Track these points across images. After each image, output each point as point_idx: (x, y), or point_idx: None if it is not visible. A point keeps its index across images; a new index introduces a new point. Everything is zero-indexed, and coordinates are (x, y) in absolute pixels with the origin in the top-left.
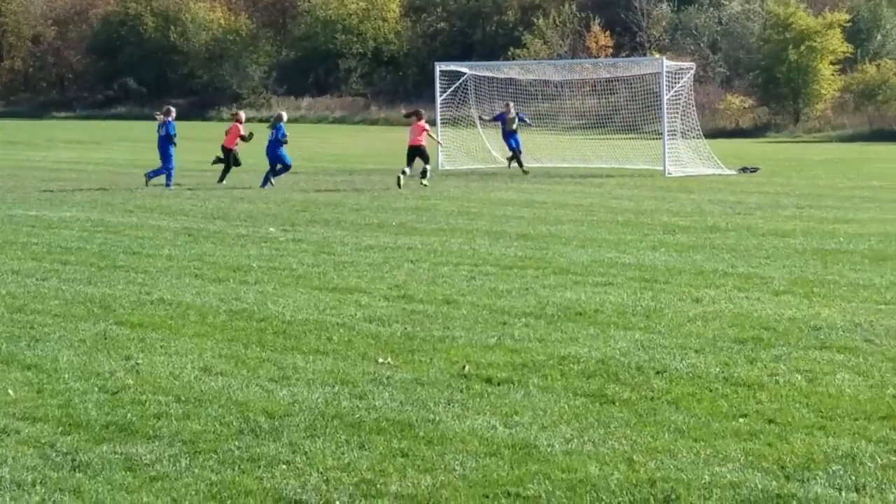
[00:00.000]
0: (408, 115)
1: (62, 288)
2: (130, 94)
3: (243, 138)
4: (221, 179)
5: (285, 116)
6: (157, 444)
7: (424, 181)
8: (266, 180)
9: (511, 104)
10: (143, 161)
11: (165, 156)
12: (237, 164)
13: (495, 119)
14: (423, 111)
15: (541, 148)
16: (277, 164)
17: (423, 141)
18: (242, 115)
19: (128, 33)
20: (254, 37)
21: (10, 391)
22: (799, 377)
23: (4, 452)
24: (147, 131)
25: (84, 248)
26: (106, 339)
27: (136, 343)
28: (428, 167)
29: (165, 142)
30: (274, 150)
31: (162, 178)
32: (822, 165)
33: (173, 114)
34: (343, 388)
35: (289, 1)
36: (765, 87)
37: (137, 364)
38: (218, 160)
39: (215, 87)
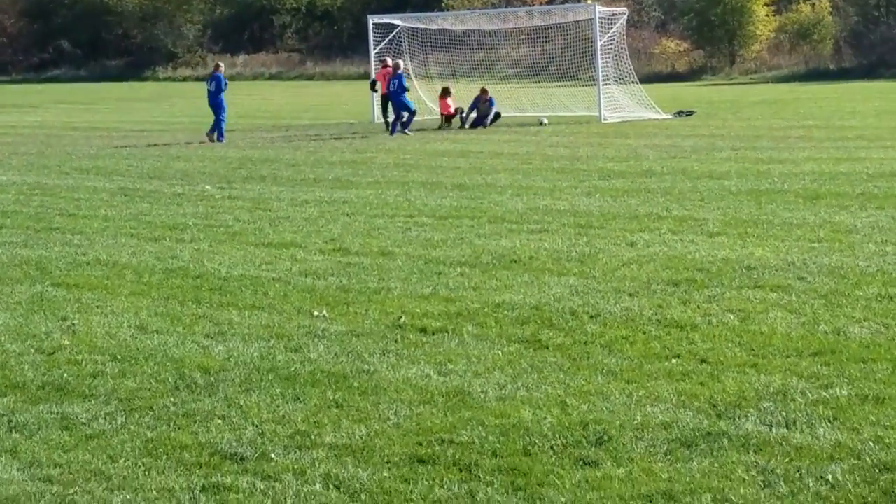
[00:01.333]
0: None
1: None
2: (65, 56)
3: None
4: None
5: (402, 65)
6: (93, 402)
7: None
8: (394, 128)
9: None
10: (79, 123)
11: (221, 107)
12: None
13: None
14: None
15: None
16: (403, 111)
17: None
18: (390, 60)
19: None
20: None
21: None
22: (732, 317)
23: None
24: (83, 94)
25: (20, 212)
26: (42, 300)
27: (72, 304)
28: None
29: (217, 95)
30: (398, 98)
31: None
32: (757, 107)
33: (221, 68)
34: (278, 342)
35: None
36: (700, 30)
37: (74, 325)
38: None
39: (150, 47)
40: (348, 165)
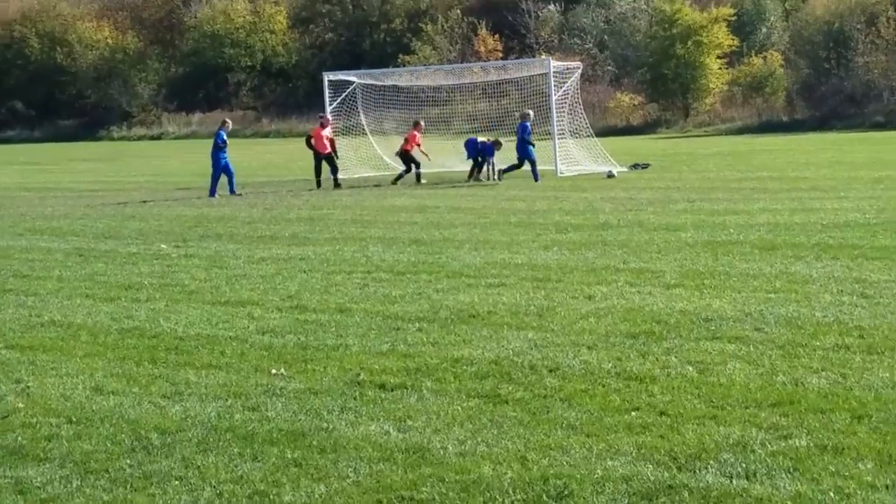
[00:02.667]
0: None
1: None
2: (18, 117)
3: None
4: (335, 182)
5: (532, 115)
6: (47, 466)
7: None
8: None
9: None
10: (33, 184)
11: (215, 164)
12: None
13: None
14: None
15: (434, 153)
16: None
17: (411, 148)
18: (331, 117)
19: (14, 56)
20: (142, 54)
21: None
22: (690, 368)
23: None
24: (35, 154)
25: None
26: None
27: (26, 366)
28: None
29: (214, 151)
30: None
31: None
32: (712, 159)
33: (227, 125)
34: (236, 401)
35: (176, 17)
36: (654, 84)
37: (28, 387)
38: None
39: (104, 107)
40: (305, 222)
